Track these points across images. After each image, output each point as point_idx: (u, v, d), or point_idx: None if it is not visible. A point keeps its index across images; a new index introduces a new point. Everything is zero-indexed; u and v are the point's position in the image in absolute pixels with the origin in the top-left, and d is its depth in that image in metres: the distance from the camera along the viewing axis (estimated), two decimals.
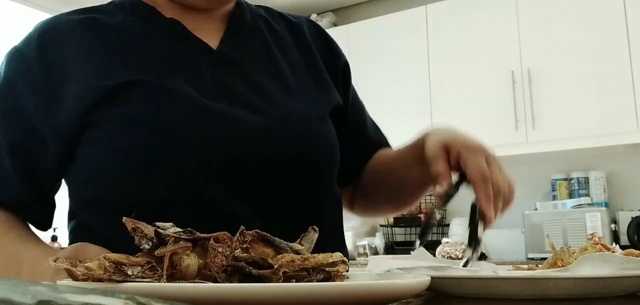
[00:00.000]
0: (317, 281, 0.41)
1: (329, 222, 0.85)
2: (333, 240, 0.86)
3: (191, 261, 0.41)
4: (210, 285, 0.38)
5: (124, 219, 0.44)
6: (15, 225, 0.77)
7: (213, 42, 0.83)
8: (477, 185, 0.75)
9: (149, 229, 0.43)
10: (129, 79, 0.75)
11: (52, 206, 0.83)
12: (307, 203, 0.80)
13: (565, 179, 3.33)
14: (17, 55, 0.79)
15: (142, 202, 0.72)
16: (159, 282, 0.40)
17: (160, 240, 0.42)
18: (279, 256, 0.42)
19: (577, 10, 3.15)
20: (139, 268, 0.41)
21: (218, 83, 0.79)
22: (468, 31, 3.42)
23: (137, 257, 0.43)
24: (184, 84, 0.76)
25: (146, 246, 0.42)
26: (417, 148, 0.85)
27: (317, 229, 0.49)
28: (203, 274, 0.42)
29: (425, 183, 0.89)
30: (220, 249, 0.42)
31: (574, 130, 3.10)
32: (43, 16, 3.53)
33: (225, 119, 0.75)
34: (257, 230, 0.45)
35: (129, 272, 0.41)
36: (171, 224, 0.43)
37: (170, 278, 0.40)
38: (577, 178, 3.28)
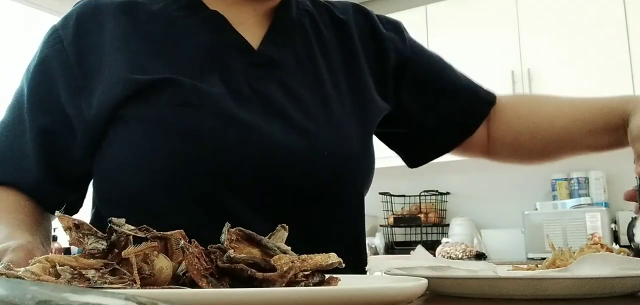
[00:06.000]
0: (313, 285, 0.41)
1: (352, 240, 0.83)
2: (354, 256, 0.83)
3: (164, 264, 0.38)
4: (221, 290, 0.36)
5: (57, 213, 0.41)
6: (16, 209, 0.74)
7: (255, 39, 0.80)
8: None
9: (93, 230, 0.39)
10: (162, 77, 0.72)
11: (76, 193, 0.81)
12: (333, 223, 0.78)
13: (565, 179, 3.33)
14: (54, 35, 0.77)
15: (159, 205, 0.71)
16: (131, 288, 0.36)
17: (111, 238, 0.39)
18: (276, 257, 0.41)
19: (577, 10, 3.15)
20: (93, 271, 0.37)
21: (254, 88, 0.76)
22: (468, 31, 3.42)
23: (88, 258, 0.39)
24: (219, 85, 0.74)
25: (99, 246, 0.39)
26: (612, 115, 0.80)
27: (286, 227, 0.47)
28: (178, 278, 0.39)
29: (608, 148, 0.84)
30: (195, 251, 0.38)
31: None
32: (44, 16, 3.53)
33: (255, 131, 0.72)
34: (241, 228, 0.43)
35: (90, 276, 0.37)
36: (124, 220, 0.40)
37: (142, 282, 0.37)
38: (577, 178, 3.29)
